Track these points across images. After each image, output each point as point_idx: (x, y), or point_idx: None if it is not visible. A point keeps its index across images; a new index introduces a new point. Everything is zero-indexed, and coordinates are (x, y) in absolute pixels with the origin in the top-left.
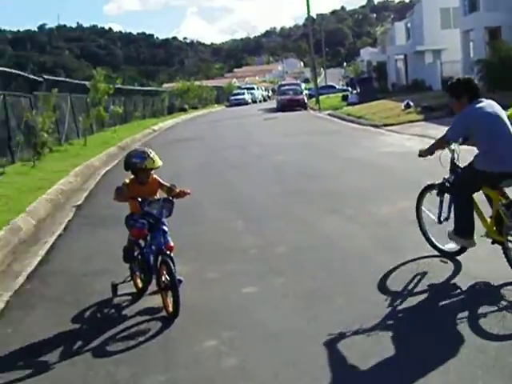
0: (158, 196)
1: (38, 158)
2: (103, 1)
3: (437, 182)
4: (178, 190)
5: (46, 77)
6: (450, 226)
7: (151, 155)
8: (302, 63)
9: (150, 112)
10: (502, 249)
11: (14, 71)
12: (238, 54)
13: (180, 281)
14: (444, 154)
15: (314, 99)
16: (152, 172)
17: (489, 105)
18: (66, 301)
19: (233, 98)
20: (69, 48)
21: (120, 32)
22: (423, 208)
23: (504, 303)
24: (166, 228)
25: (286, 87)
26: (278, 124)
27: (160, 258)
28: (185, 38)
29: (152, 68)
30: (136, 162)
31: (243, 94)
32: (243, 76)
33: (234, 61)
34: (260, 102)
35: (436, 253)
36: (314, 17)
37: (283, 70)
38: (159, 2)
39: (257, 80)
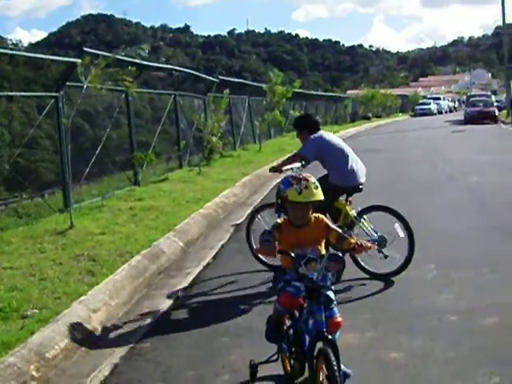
0: (322, 248)
1: (207, 163)
2: (291, 7)
3: (270, 202)
4: (353, 242)
5: (221, 77)
6: None
7: (306, 183)
8: (489, 74)
9: (331, 118)
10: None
11: (186, 70)
12: (424, 63)
13: (346, 375)
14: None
15: (504, 111)
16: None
17: (328, 134)
18: (180, 379)
19: (418, 107)
20: (256, 52)
21: (306, 38)
22: (262, 223)
23: None
24: (331, 294)
25: (476, 98)
26: (467, 138)
27: (318, 346)
28: (370, 46)
29: (337, 74)
30: (282, 192)
31: (429, 103)
32: (428, 86)
33: (419, 70)
34: (446, 112)
35: None
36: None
37: (470, 81)
38: (346, 9)
39: (442, 90)
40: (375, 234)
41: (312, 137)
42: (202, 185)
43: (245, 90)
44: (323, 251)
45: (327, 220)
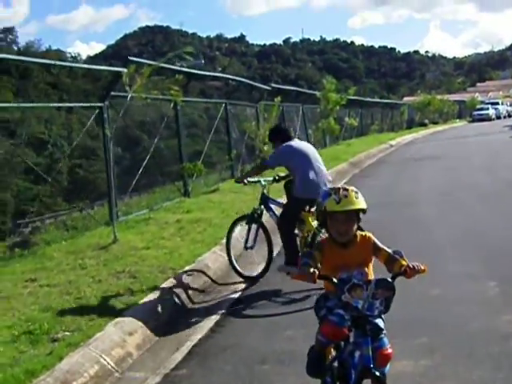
0: (370, 271)
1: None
2: (347, 15)
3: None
4: (404, 264)
5: (273, 85)
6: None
7: (346, 192)
8: None
9: (388, 125)
10: None
11: (238, 78)
12: (481, 67)
13: None
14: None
15: None
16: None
17: (300, 144)
18: None
19: (476, 113)
20: (311, 60)
21: (362, 45)
22: (236, 236)
23: None
24: (380, 323)
25: None
26: None
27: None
28: (426, 52)
29: (393, 81)
30: (321, 204)
31: (487, 109)
32: (486, 91)
33: (476, 75)
34: (504, 117)
35: None
36: None
37: None
38: (402, 16)
39: (500, 95)
40: None
41: (281, 146)
42: (252, 195)
43: (299, 98)
44: (371, 275)
45: (375, 239)
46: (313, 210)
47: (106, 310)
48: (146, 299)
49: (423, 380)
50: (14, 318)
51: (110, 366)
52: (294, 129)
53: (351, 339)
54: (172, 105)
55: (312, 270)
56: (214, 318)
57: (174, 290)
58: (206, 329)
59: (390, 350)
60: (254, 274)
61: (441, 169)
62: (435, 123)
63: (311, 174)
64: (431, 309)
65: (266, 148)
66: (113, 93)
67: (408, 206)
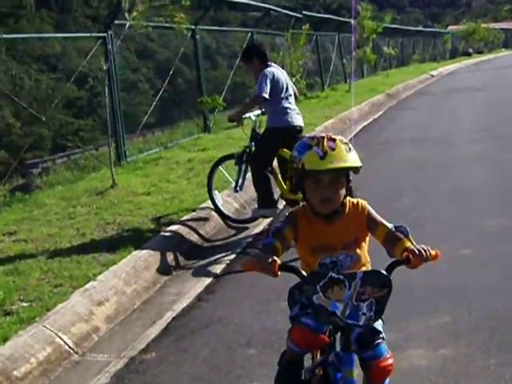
0: (364, 253)
1: None
2: None
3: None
4: (408, 246)
5: (304, 13)
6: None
7: (332, 143)
8: None
9: (430, 55)
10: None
11: (265, 5)
12: None
13: None
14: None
15: None
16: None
17: (278, 68)
18: None
19: None
20: None
21: None
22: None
23: None
24: (377, 325)
25: None
26: None
27: None
28: None
29: (437, 10)
30: (296, 161)
31: None
32: None
33: None
34: None
35: None
36: None
37: None
38: None
39: None
40: None
41: (266, 72)
42: None
43: (333, 26)
44: (365, 259)
45: (371, 209)
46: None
47: (78, 273)
48: (128, 258)
49: (439, 380)
50: None
51: (67, 347)
52: (329, 59)
53: (333, 354)
54: (190, 34)
55: (271, 258)
56: (205, 281)
57: (164, 246)
58: (192, 296)
59: (389, 361)
60: (245, 217)
61: (483, 101)
62: (480, 53)
63: (286, 103)
64: (459, 275)
65: (293, 80)
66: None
67: (445, 143)
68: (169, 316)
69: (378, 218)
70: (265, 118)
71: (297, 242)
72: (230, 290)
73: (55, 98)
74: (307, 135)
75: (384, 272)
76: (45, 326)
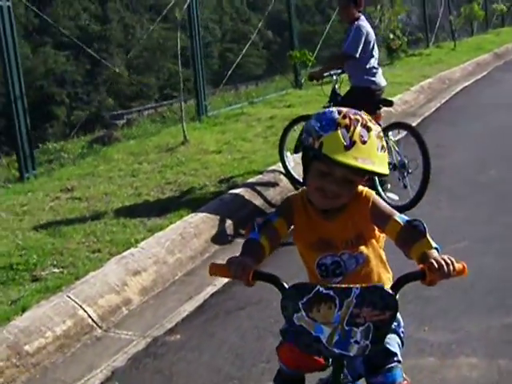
0: (371, 254)
1: (390, 62)
2: None
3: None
4: (429, 254)
5: None
6: None
7: (366, 132)
8: None
9: None
10: None
11: None
12: None
13: None
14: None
15: None
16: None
17: (367, 22)
18: None
19: None
20: None
21: None
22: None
23: None
24: (392, 344)
25: None
26: None
27: None
28: None
29: None
30: (314, 135)
31: None
32: None
33: None
34: None
35: None
36: None
37: None
38: None
39: None
40: (399, 158)
41: (360, 27)
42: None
43: None
44: (378, 261)
45: (378, 199)
46: (380, 111)
47: (120, 238)
48: (177, 223)
49: None
50: (11, 242)
51: (90, 320)
52: (435, 15)
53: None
54: None
55: (244, 263)
56: None
57: (221, 211)
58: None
59: None
60: None
61: None
62: None
63: (373, 62)
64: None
65: (391, 36)
66: None
67: None
68: (208, 291)
69: (387, 210)
70: (345, 77)
71: (293, 235)
72: (281, 267)
73: (166, 47)
74: (335, 108)
75: (388, 289)
76: (69, 297)
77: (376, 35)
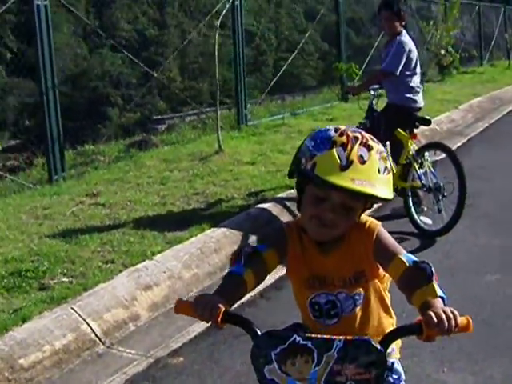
0: (383, 294)
1: (442, 79)
2: None
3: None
4: (429, 305)
5: None
6: None
7: (366, 151)
8: None
9: None
10: (400, 195)
11: None
12: None
13: None
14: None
15: None
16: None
17: (409, 39)
18: None
19: None
20: None
21: None
22: None
23: None
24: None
25: None
26: None
27: None
28: None
29: None
30: (307, 155)
31: None
32: None
33: None
34: None
35: None
36: None
37: None
38: None
39: None
40: (434, 180)
41: (402, 43)
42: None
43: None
44: (380, 304)
45: (383, 232)
46: (417, 131)
47: (136, 249)
48: (198, 236)
49: None
50: (26, 247)
51: (93, 335)
52: (491, 33)
53: None
54: None
55: (213, 303)
56: (280, 272)
57: (245, 225)
58: (256, 289)
59: None
60: None
61: None
62: None
63: (414, 80)
64: None
65: (442, 51)
66: None
67: None
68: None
69: (393, 247)
70: (383, 92)
71: (286, 269)
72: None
73: (221, 53)
74: (332, 126)
75: (377, 344)
76: (73, 309)
77: (427, 50)
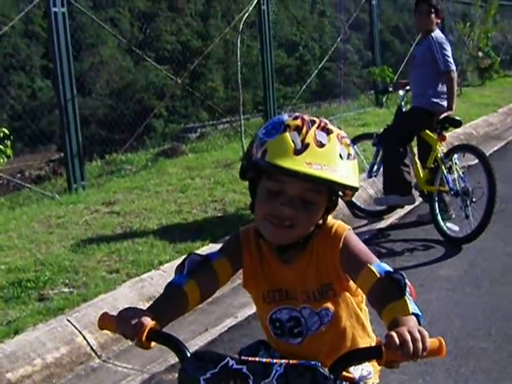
0: (343, 308)
1: (482, 83)
2: None
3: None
4: (397, 323)
5: None
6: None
7: (322, 134)
8: None
9: None
10: (426, 200)
11: None
12: None
13: None
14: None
15: None
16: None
17: None
18: None
19: None
20: None
21: None
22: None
23: None
24: None
25: None
26: None
27: None
28: None
29: None
30: (257, 143)
31: None
32: None
33: None
34: None
35: None
36: None
37: None
38: None
39: None
40: (463, 184)
41: (438, 38)
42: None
43: None
44: (353, 321)
45: (352, 237)
46: (445, 133)
47: (144, 259)
48: (209, 245)
49: None
50: (31, 257)
51: (88, 349)
52: None
53: None
54: None
55: (138, 319)
56: None
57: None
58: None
59: None
60: (376, 209)
61: None
62: None
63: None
64: None
65: (480, 54)
66: None
67: None
68: (226, 324)
69: (364, 254)
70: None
71: (243, 280)
72: None
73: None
74: (291, 114)
75: (325, 371)
76: (69, 321)
77: (465, 54)
